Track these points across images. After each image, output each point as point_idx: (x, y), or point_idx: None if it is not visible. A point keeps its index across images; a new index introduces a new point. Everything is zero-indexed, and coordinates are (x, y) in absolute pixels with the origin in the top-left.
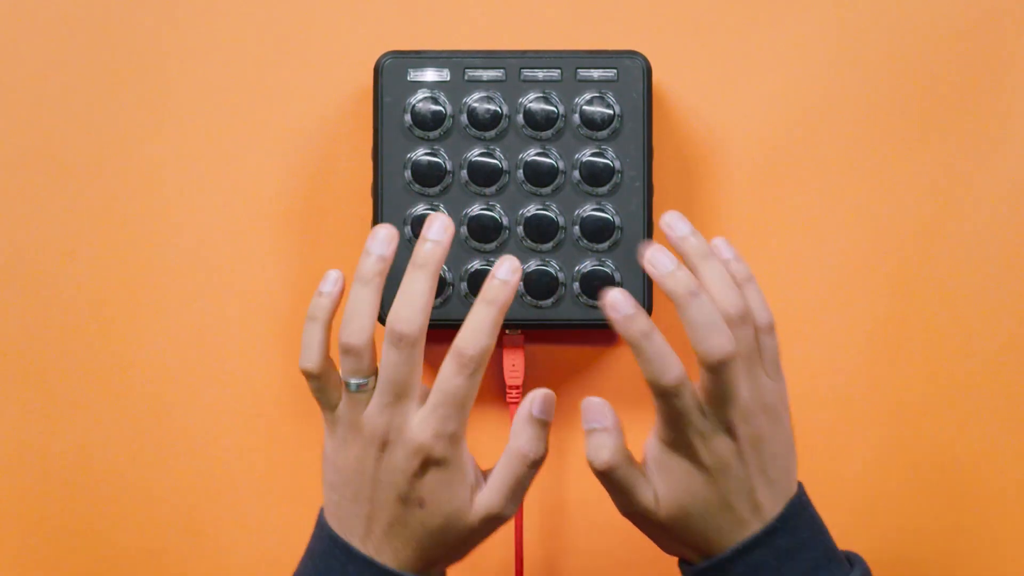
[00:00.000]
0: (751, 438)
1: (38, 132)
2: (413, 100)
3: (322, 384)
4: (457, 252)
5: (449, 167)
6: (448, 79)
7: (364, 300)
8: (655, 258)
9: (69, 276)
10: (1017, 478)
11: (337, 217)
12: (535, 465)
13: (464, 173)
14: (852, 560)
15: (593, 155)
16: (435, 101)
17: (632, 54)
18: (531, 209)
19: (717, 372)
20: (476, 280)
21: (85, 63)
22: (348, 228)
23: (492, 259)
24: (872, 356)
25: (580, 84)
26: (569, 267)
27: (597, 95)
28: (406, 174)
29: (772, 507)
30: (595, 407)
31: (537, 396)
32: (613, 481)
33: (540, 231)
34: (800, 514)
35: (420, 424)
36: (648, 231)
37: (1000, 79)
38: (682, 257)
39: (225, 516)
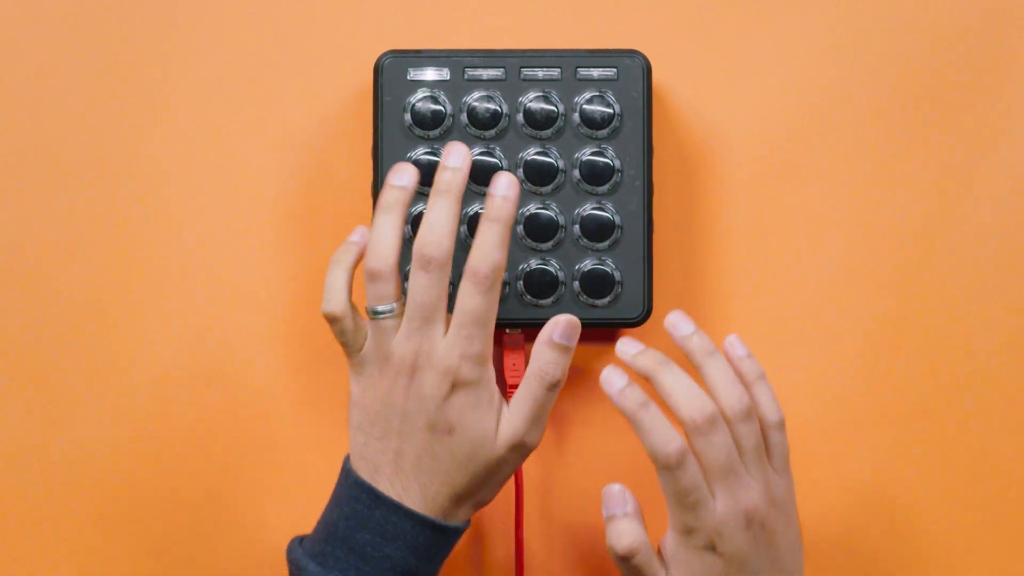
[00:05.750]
0: (764, 531)
1: (38, 132)
2: (413, 99)
3: (345, 327)
4: (458, 252)
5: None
6: (448, 78)
7: (388, 225)
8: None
9: (69, 276)
10: (1018, 478)
11: (337, 217)
12: (554, 388)
13: None
14: None
15: (593, 154)
16: (435, 100)
17: (632, 53)
18: (531, 208)
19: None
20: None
21: (85, 63)
22: (348, 228)
23: None
24: (872, 356)
25: (580, 83)
26: (569, 266)
27: (597, 94)
28: None
29: None
30: (615, 495)
31: (560, 321)
32: (632, 567)
33: (540, 230)
34: None
35: (447, 347)
36: (648, 230)
37: (1000, 79)
38: (688, 355)
39: (225, 516)
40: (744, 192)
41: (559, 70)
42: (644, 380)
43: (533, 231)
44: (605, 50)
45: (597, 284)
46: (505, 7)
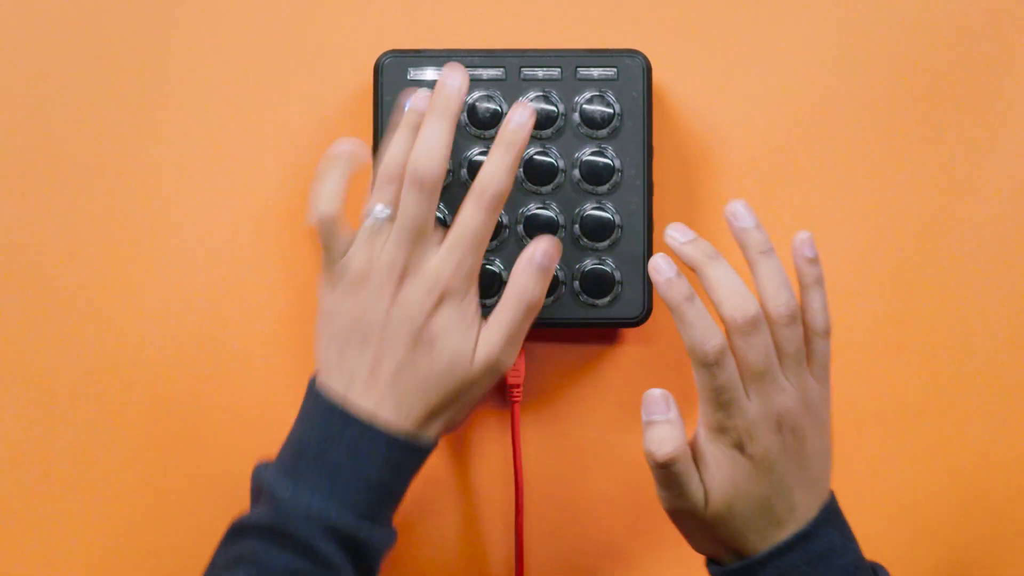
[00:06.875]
0: (794, 435)
1: (38, 132)
2: None
3: (336, 230)
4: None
5: (449, 166)
6: None
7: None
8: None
9: (69, 276)
10: (1018, 478)
11: None
12: (532, 310)
13: (464, 172)
14: (877, 571)
15: (593, 154)
16: None
17: (632, 53)
18: (531, 208)
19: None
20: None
21: (85, 63)
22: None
23: (493, 258)
24: (872, 356)
25: (580, 83)
26: (569, 266)
27: (597, 94)
28: None
29: (807, 510)
30: (657, 399)
31: (542, 242)
32: (671, 475)
33: (540, 230)
34: (833, 520)
35: (439, 261)
36: (648, 230)
37: (1000, 79)
38: (742, 248)
39: (226, 516)
40: (744, 192)
41: (559, 70)
42: (690, 270)
43: (533, 231)
44: (605, 50)
45: (597, 284)
46: (505, 7)
